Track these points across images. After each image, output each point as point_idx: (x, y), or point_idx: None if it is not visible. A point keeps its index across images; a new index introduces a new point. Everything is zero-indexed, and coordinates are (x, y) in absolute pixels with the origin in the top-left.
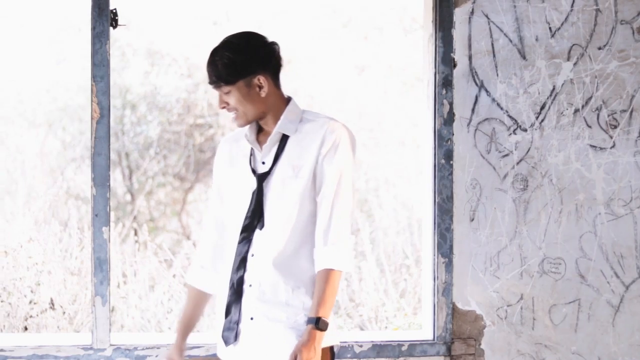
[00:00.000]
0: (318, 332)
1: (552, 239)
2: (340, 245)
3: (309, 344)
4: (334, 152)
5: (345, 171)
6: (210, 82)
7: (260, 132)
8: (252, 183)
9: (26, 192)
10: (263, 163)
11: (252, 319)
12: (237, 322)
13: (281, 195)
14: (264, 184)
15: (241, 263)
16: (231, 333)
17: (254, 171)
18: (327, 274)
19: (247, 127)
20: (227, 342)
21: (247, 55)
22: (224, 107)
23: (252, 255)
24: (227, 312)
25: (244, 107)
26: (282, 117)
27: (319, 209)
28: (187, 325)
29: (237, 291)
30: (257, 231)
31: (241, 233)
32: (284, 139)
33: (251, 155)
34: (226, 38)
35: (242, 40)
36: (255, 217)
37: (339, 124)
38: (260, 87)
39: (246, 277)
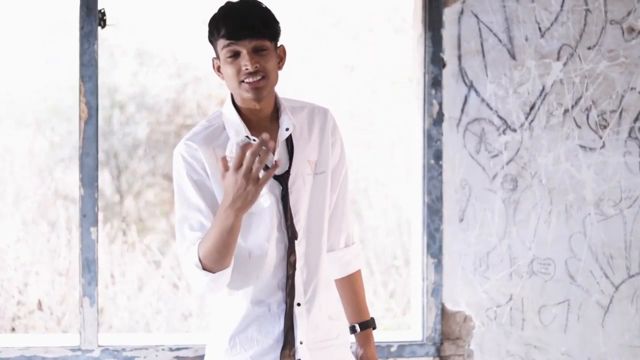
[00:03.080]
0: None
1: (541, 240)
2: (358, 242)
3: (374, 348)
4: (340, 145)
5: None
6: (248, 34)
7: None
8: (273, 187)
9: (14, 193)
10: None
11: (301, 343)
12: (293, 348)
13: (308, 197)
14: (289, 185)
15: (286, 280)
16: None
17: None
18: (360, 274)
19: (226, 123)
20: None
21: (277, 22)
22: (255, 69)
23: (298, 270)
24: (279, 339)
25: (274, 74)
26: (283, 108)
27: (340, 205)
28: None
29: (287, 313)
30: (295, 242)
31: (279, 244)
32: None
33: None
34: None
35: None
36: (287, 226)
37: (329, 110)
38: (281, 60)
39: (296, 295)
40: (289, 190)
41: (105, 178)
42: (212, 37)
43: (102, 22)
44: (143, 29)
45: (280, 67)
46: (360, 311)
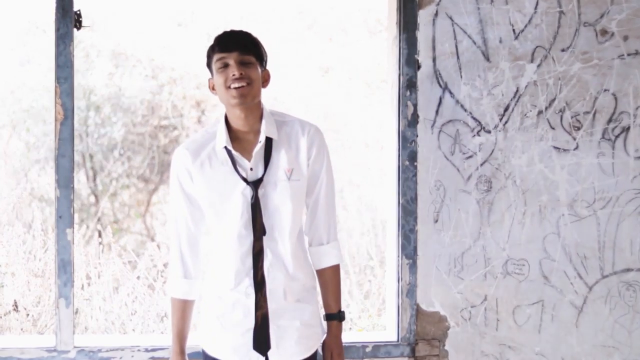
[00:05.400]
0: (341, 325)
1: (515, 240)
2: (337, 240)
3: (339, 338)
4: (322, 155)
5: (331, 171)
6: (236, 48)
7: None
8: (245, 191)
9: None
10: (251, 169)
11: (270, 323)
12: (266, 329)
13: (280, 200)
14: (259, 190)
15: (256, 270)
16: (262, 341)
17: (244, 179)
18: (337, 268)
19: (217, 132)
20: (261, 351)
21: (264, 50)
22: (240, 75)
23: (267, 261)
24: (255, 321)
25: (257, 83)
26: (264, 120)
27: (314, 209)
28: (184, 337)
29: (257, 298)
30: (264, 238)
31: (243, 240)
32: (268, 142)
33: (233, 161)
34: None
35: None
36: (256, 224)
37: (315, 126)
38: (266, 81)
39: (267, 282)
40: (260, 195)
41: (80, 179)
42: (209, 59)
43: (78, 23)
44: (119, 30)
45: (264, 86)
46: (327, 303)
